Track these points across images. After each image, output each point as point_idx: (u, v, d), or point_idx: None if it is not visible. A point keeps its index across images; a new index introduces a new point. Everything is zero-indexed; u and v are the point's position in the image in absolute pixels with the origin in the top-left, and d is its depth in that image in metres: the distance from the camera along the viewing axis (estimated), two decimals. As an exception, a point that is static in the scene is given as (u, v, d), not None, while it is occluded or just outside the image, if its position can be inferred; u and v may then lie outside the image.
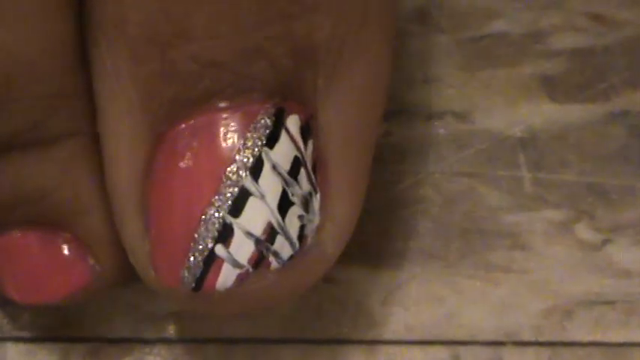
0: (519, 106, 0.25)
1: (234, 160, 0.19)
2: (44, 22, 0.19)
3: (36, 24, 0.19)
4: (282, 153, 0.19)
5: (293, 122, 0.19)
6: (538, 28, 0.26)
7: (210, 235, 0.19)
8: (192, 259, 0.19)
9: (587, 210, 0.24)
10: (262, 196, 0.19)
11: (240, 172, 0.19)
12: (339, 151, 0.20)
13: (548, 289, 0.24)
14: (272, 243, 0.19)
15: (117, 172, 0.20)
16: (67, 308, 0.23)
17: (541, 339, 0.23)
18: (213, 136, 0.19)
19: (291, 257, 0.20)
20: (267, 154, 0.19)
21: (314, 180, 0.20)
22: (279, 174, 0.19)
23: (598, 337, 0.23)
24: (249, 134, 0.19)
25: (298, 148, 0.20)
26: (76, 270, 0.21)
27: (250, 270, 0.19)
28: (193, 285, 0.19)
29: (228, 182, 0.19)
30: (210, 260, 0.19)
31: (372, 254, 0.23)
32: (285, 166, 0.19)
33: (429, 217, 0.24)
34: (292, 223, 0.20)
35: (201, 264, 0.19)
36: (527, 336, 0.23)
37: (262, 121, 0.19)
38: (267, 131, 0.19)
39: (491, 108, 0.25)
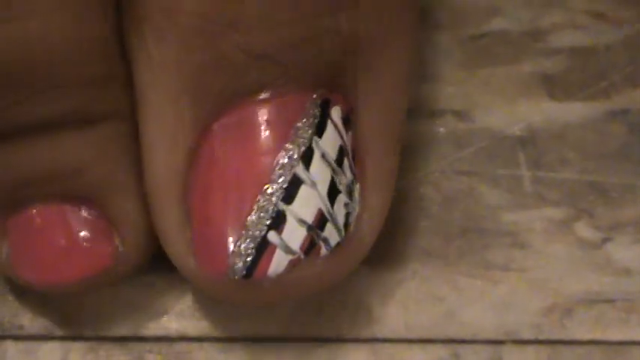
0: (519, 104, 0.25)
1: (286, 149, 0.19)
2: (90, 10, 0.19)
3: (83, 11, 0.19)
4: (330, 142, 0.20)
5: (336, 113, 0.20)
6: (538, 26, 0.26)
7: (263, 222, 0.19)
8: (243, 246, 0.19)
9: (587, 208, 0.24)
10: (313, 184, 0.20)
11: (292, 160, 0.19)
12: (375, 144, 0.21)
13: (548, 288, 0.24)
14: (322, 230, 0.20)
15: (158, 160, 0.20)
16: (67, 306, 0.24)
17: (541, 337, 0.23)
18: (265, 125, 0.19)
19: (338, 245, 0.20)
20: (316, 142, 0.20)
21: (354, 170, 0.20)
22: (328, 162, 0.20)
23: (598, 335, 0.23)
24: (299, 123, 0.19)
25: (342, 138, 0.20)
26: (99, 249, 0.21)
27: (302, 256, 0.20)
28: (244, 272, 0.19)
29: (281, 170, 0.19)
30: (263, 247, 0.19)
31: (372, 252, 0.23)
32: (333, 154, 0.20)
33: (428, 216, 0.24)
34: (339, 211, 0.20)
35: (253, 251, 0.19)
36: (526, 334, 0.23)
37: (311, 111, 0.20)
38: (316, 120, 0.20)
39: (491, 106, 0.25)
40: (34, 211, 0.21)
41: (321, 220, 0.20)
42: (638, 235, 0.24)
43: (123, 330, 0.24)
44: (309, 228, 0.20)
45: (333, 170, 0.20)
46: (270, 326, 0.24)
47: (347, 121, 0.20)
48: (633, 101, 0.25)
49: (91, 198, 0.21)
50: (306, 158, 0.20)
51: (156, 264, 0.24)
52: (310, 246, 0.20)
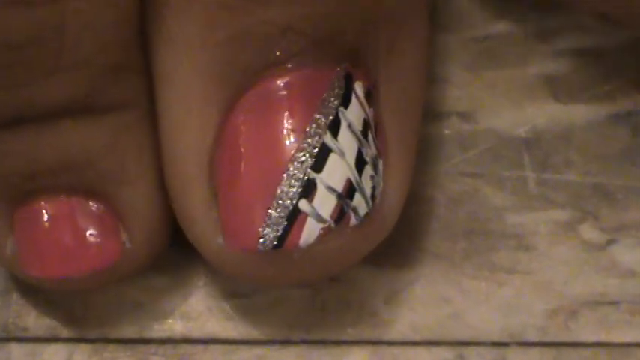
0: (524, 106, 0.25)
1: (314, 119, 0.20)
2: None
3: None
4: (355, 113, 0.20)
5: (359, 87, 0.20)
6: (543, 29, 0.26)
7: (294, 190, 0.19)
8: (274, 215, 0.19)
9: (592, 210, 0.25)
10: (342, 153, 0.20)
11: (321, 130, 0.20)
12: (397, 123, 0.21)
13: (553, 290, 0.24)
14: (351, 199, 0.20)
15: (186, 141, 0.20)
16: (71, 307, 0.24)
17: (545, 339, 0.24)
18: (292, 97, 0.20)
19: (366, 215, 0.20)
20: (343, 113, 0.20)
21: (377, 144, 0.21)
22: (354, 133, 0.20)
23: (602, 337, 0.24)
24: (325, 94, 0.20)
25: (365, 112, 0.20)
26: (106, 245, 0.21)
27: (332, 225, 0.20)
28: (275, 242, 0.20)
29: (310, 140, 0.20)
30: (294, 216, 0.20)
31: (377, 254, 0.23)
32: (358, 126, 0.20)
33: (433, 218, 0.24)
34: (367, 182, 0.20)
35: (284, 220, 0.20)
36: (531, 336, 0.24)
37: (336, 83, 0.20)
38: (341, 92, 0.20)
39: (496, 108, 0.25)
40: (42, 204, 0.21)
41: (350, 190, 0.20)
42: (643, 237, 0.24)
43: (128, 332, 0.24)
44: (339, 196, 0.20)
45: (360, 141, 0.20)
46: (274, 328, 0.24)
47: (369, 96, 0.21)
48: (638, 104, 0.25)
49: (99, 191, 0.21)
50: (334, 128, 0.20)
51: (161, 266, 0.24)
52: (340, 215, 0.20)
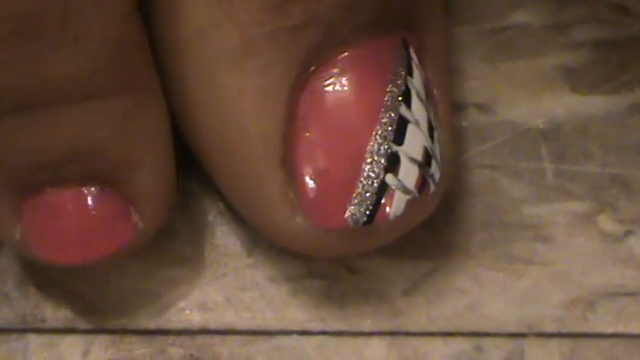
0: (542, 97, 0.25)
1: (388, 91, 0.20)
2: None
3: None
4: (418, 80, 0.21)
5: (414, 53, 0.21)
6: (560, 20, 0.26)
7: (379, 165, 0.20)
8: (362, 192, 0.20)
9: (610, 201, 0.25)
10: (417, 122, 0.20)
11: (395, 101, 0.20)
12: (439, 80, 0.22)
13: (571, 281, 0.24)
14: (429, 166, 0.20)
15: (255, 120, 0.20)
16: (89, 299, 0.24)
17: (563, 330, 0.24)
18: (364, 71, 0.20)
19: (440, 180, 0.21)
20: (411, 82, 0.20)
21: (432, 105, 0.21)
22: (422, 100, 0.20)
23: (620, 328, 0.24)
24: (393, 65, 0.20)
25: (422, 76, 0.21)
26: (119, 227, 0.21)
27: (417, 195, 0.20)
28: (365, 219, 0.20)
29: (387, 112, 0.20)
30: (382, 190, 0.20)
31: (395, 246, 0.23)
32: (423, 92, 0.21)
33: (451, 209, 0.25)
34: (437, 147, 0.21)
35: (373, 196, 0.20)
36: (549, 327, 0.24)
37: (400, 52, 0.20)
38: (405, 61, 0.20)
39: (513, 99, 0.25)
40: (51, 194, 0.21)
41: (427, 157, 0.20)
42: (661, 228, 0.24)
43: (145, 323, 0.24)
44: (420, 166, 0.20)
45: (427, 108, 0.20)
46: (292, 319, 0.24)
47: (420, 60, 0.21)
48: (656, 94, 0.25)
49: (109, 178, 0.21)
50: (406, 98, 0.20)
51: (179, 257, 0.24)
52: (423, 184, 0.20)
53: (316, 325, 0.24)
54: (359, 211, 0.20)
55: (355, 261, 0.24)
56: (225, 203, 0.24)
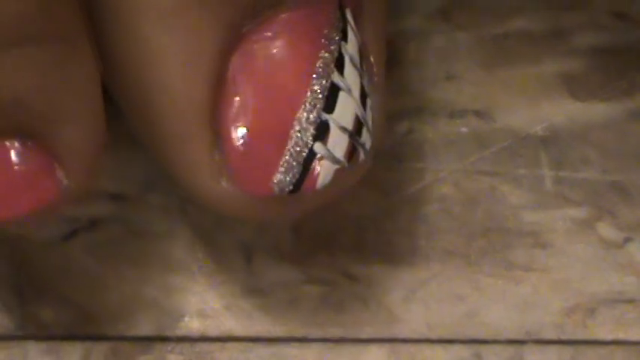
0: (541, 104, 0.25)
1: (320, 57, 0.19)
2: None
3: None
4: (353, 45, 0.20)
5: (349, 15, 0.20)
6: (560, 26, 0.26)
7: (307, 133, 0.19)
8: (289, 160, 0.19)
9: (609, 208, 0.25)
10: (349, 90, 0.20)
11: (328, 68, 0.19)
12: (376, 44, 0.21)
13: (570, 288, 0.24)
14: (360, 135, 0.20)
15: (183, 82, 0.20)
16: (88, 306, 0.24)
17: (563, 337, 0.24)
18: (297, 36, 0.19)
19: (370, 148, 0.20)
20: (345, 47, 0.20)
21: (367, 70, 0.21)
22: (355, 66, 0.20)
23: (620, 335, 0.24)
24: (327, 30, 0.20)
25: (358, 40, 0.20)
26: (43, 184, 0.20)
27: (346, 164, 0.20)
28: (291, 187, 0.19)
29: (318, 79, 0.19)
30: (310, 159, 0.19)
31: (394, 252, 0.23)
32: (357, 58, 0.20)
33: (450, 216, 0.25)
34: (369, 114, 0.20)
35: (300, 164, 0.19)
36: (549, 334, 0.24)
37: (335, 17, 0.20)
38: (340, 25, 0.20)
39: (512, 106, 0.25)
40: None
41: (358, 126, 0.20)
42: (661, 235, 0.25)
43: (144, 330, 0.24)
44: (350, 134, 0.20)
45: (360, 74, 0.20)
46: (291, 326, 0.24)
47: (356, 21, 0.20)
48: (655, 101, 0.26)
49: (31, 131, 0.20)
50: (340, 64, 0.20)
51: (178, 264, 0.24)
52: (352, 153, 0.20)
53: (315, 332, 0.24)
54: (285, 179, 0.19)
55: (353, 267, 0.24)
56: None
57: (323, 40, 0.20)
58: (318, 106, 0.19)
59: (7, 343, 0.24)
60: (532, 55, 0.26)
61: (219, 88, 0.20)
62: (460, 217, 0.25)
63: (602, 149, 0.25)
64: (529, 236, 0.24)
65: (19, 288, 0.24)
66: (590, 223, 0.25)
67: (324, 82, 0.19)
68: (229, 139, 0.20)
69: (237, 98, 0.20)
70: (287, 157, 0.19)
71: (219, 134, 0.20)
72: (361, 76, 0.20)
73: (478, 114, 0.25)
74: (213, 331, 0.24)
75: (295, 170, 0.19)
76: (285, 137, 0.19)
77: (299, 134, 0.19)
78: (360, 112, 0.20)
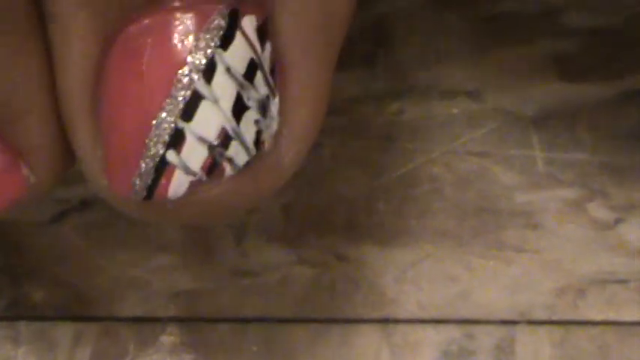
0: (532, 85, 0.26)
1: (186, 62, 0.19)
2: None
3: None
4: (237, 55, 0.19)
5: (249, 23, 0.19)
6: (551, 7, 0.26)
7: (161, 140, 0.19)
8: (143, 165, 0.19)
9: (600, 189, 0.25)
10: (215, 100, 0.19)
11: (192, 75, 0.19)
12: (298, 55, 0.20)
13: (561, 268, 0.24)
14: (226, 148, 0.19)
15: (68, 74, 0.20)
16: (79, 287, 0.24)
17: (554, 318, 0.24)
18: (165, 37, 0.19)
19: (247, 163, 0.19)
20: (220, 55, 0.19)
21: (272, 83, 0.20)
22: (234, 77, 0.19)
23: (611, 315, 0.24)
24: (201, 35, 0.19)
25: (255, 51, 0.19)
26: (9, 182, 0.20)
27: (204, 178, 0.19)
28: (144, 193, 0.19)
29: (180, 85, 0.19)
30: (162, 167, 0.19)
31: (385, 233, 0.23)
32: (240, 68, 0.19)
33: (441, 196, 0.25)
34: (248, 129, 0.19)
35: (152, 171, 0.19)
36: (540, 315, 0.24)
37: (216, 22, 0.19)
38: (221, 32, 0.19)
39: (503, 87, 0.26)
40: None
41: (225, 139, 0.19)
42: (652, 215, 0.25)
43: (136, 311, 0.24)
44: (210, 147, 0.19)
45: (241, 85, 0.19)
46: (283, 307, 0.24)
47: (263, 31, 0.20)
48: (646, 82, 0.26)
49: None
50: (208, 72, 0.19)
51: (169, 245, 0.24)
52: (212, 166, 0.19)
53: (308, 313, 0.24)
54: (140, 183, 0.19)
55: (344, 248, 0.24)
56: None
57: (194, 44, 0.19)
58: (175, 112, 0.19)
59: (-2, 324, 0.24)
60: (523, 36, 0.26)
61: (97, 84, 0.19)
62: (451, 197, 0.25)
63: (593, 130, 0.25)
64: (520, 217, 0.25)
65: (10, 269, 0.24)
66: (582, 203, 0.25)
67: (185, 88, 0.19)
68: (102, 135, 0.19)
69: (109, 95, 0.19)
70: (142, 163, 0.19)
71: (99, 132, 0.20)
72: (242, 89, 0.20)
73: (469, 95, 0.26)
74: (203, 312, 0.24)
75: (148, 176, 0.19)
76: (143, 141, 0.19)
77: (154, 140, 0.19)
78: (229, 125, 0.19)
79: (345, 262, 0.24)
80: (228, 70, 0.19)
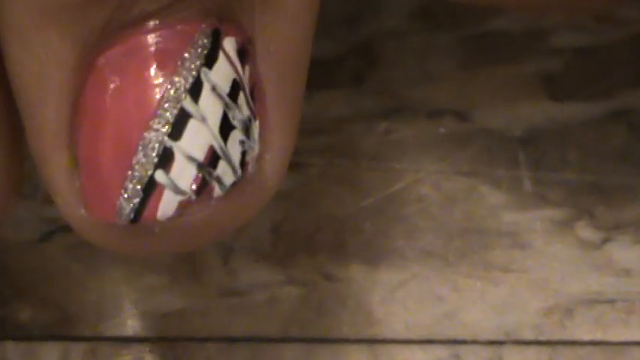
0: (520, 104, 0.26)
1: (173, 82, 0.19)
2: None
3: None
4: (221, 74, 0.19)
5: (230, 44, 0.19)
6: (539, 26, 0.26)
7: (149, 160, 0.19)
8: (130, 187, 0.19)
9: (588, 208, 0.25)
10: (203, 119, 0.19)
11: (179, 93, 0.19)
12: (276, 79, 0.20)
13: (549, 288, 0.24)
14: (214, 168, 0.19)
15: (43, 103, 0.19)
16: (67, 306, 0.24)
17: (541, 338, 0.24)
18: (150, 58, 0.19)
19: (234, 184, 0.19)
20: (206, 74, 0.19)
21: (252, 106, 0.20)
22: (220, 96, 0.19)
23: (598, 335, 0.24)
24: (186, 54, 0.19)
25: (237, 71, 0.20)
26: None
27: (193, 197, 0.19)
28: (132, 216, 0.19)
29: (167, 104, 0.19)
30: (150, 187, 0.19)
31: (372, 253, 0.23)
32: (225, 88, 0.19)
33: (429, 216, 0.25)
34: (234, 148, 0.19)
35: (140, 192, 0.19)
36: (527, 335, 0.24)
37: (200, 41, 0.19)
38: (205, 51, 0.19)
39: (491, 106, 0.26)
40: None
41: (212, 158, 0.19)
42: (639, 235, 0.25)
43: (123, 330, 0.24)
44: (200, 166, 0.19)
45: (226, 104, 0.19)
46: (270, 326, 0.24)
47: (243, 53, 0.20)
48: (634, 101, 0.26)
49: None
50: (195, 91, 0.19)
51: (157, 264, 0.24)
52: (202, 186, 0.19)
53: (295, 333, 0.24)
54: (127, 206, 0.19)
55: (332, 268, 0.24)
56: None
57: (178, 64, 0.19)
58: (163, 131, 0.19)
59: (-16, 344, 0.24)
60: (511, 55, 0.26)
61: (74, 110, 0.19)
62: (439, 217, 0.25)
63: (580, 149, 0.25)
64: (507, 237, 0.25)
65: (-3, 288, 0.25)
66: (569, 223, 0.25)
67: (172, 107, 0.19)
68: (81, 163, 0.19)
69: (88, 119, 0.19)
70: (129, 184, 0.19)
71: (76, 158, 0.19)
72: (228, 108, 0.19)
73: (457, 114, 0.26)
74: (191, 332, 0.24)
75: (136, 198, 0.19)
76: (129, 162, 0.19)
77: (142, 160, 0.19)
78: (217, 144, 0.19)
79: (333, 281, 0.24)
80: (214, 88, 0.19)
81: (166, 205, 0.19)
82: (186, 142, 0.19)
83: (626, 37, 0.26)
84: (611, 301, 0.24)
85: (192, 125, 0.19)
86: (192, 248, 0.22)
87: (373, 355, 0.24)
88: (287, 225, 0.25)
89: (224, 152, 0.19)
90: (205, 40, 0.19)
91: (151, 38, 0.19)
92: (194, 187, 0.19)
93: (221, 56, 0.19)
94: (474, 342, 0.24)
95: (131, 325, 0.24)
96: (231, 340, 0.24)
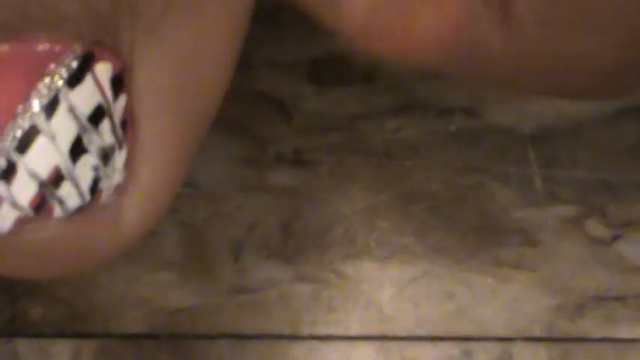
0: (530, 102, 0.26)
1: (29, 97, 0.18)
2: None
3: None
4: (84, 97, 0.19)
5: (103, 70, 0.19)
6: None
7: None
8: None
9: (598, 206, 0.25)
10: (53, 137, 0.19)
11: (33, 108, 0.18)
12: (153, 114, 0.20)
13: (559, 285, 0.25)
14: (57, 188, 0.19)
15: None
16: (78, 304, 0.24)
17: (552, 335, 0.24)
18: (11, 68, 0.19)
19: (81, 209, 0.19)
20: (65, 93, 0.19)
21: (120, 134, 0.19)
22: (77, 117, 0.19)
23: (609, 332, 0.24)
24: (48, 70, 0.19)
25: (105, 97, 0.19)
26: None
27: (30, 214, 0.18)
28: None
29: (19, 117, 0.18)
30: None
31: (383, 250, 0.23)
32: (85, 111, 0.19)
33: (439, 213, 0.25)
34: (84, 173, 0.19)
35: None
36: (538, 332, 0.24)
37: (66, 60, 0.19)
38: (70, 72, 0.19)
39: (501, 104, 0.26)
40: None
41: (57, 177, 0.19)
42: (649, 232, 0.25)
43: (134, 328, 0.24)
44: (41, 184, 0.18)
45: (83, 127, 0.19)
46: (281, 324, 0.24)
47: (118, 82, 0.19)
48: (645, 99, 0.26)
49: None
50: (50, 108, 0.19)
51: (167, 262, 0.25)
52: (41, 203, 0.19)
53: (305, 329, 0.24)
54: None
55: (343, 265, 0.24)
56: (215, 207, 0.24)
57: (39, 80, 0.19)
58: (10, 144, 0.18)
59: (-4, 341, 0.24)
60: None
61: None
62: (449, 214, 0.25)
63: (591, 147, 0.26)
64: (518, 234, 0.25)
65: (8, 287, 0.25)
66: (579, 221, 0.25)
67: (24, 121, 0.18)
68: None
69: None
70: None
71: None
72: (84, 131, 0.19)
73: (467, 112, 0.26)
74: (203, 328, 0.24)
75: None
76: None
77: None
78: (63, 164, 0.19)
79: (344, 278, 0.25)
80: (71, 109, 0.19)
81: (4, 217, 0.18)
82: (31, 158, 0.18)
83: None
84: (621, 298, 0.25)
85: (40, 142, 0.19)
86: (39, 274, 0.21)
87: (383, 351, 0.24)
88: (297, 222, 0.25)
89: (70, 174, 0.19)
90: (73, 61, 0.19)
91: (17, 49, 0.19)
92: (32, 203, 0.18)
93: (88, 79, 0.19)
94: (485, 339, 0.24)
95: (142, 322, 0.24)
96: (242, 337, 0.24)
